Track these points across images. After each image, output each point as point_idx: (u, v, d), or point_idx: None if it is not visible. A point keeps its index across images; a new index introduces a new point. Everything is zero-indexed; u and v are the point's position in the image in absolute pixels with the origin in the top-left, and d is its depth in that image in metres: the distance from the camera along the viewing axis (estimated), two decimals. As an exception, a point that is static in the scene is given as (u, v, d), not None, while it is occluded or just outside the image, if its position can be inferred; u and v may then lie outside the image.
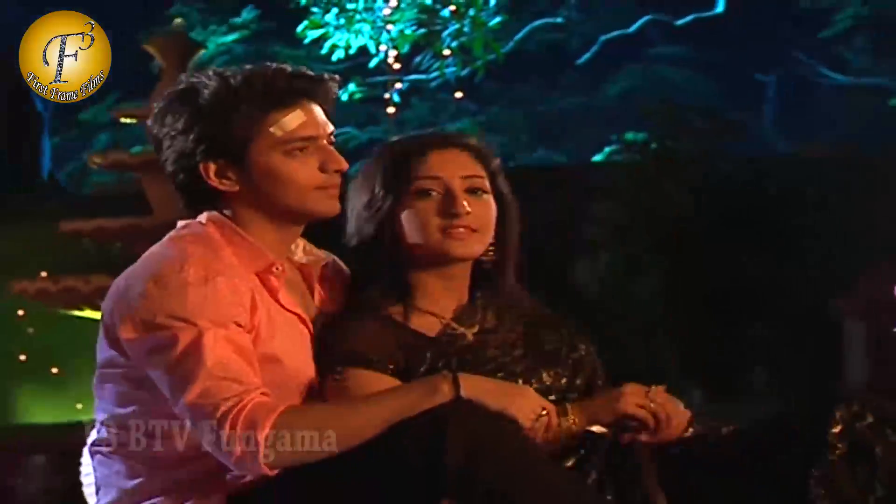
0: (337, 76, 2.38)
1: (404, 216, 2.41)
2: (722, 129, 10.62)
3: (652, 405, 2.35)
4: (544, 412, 2.24)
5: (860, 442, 2.18)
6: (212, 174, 2.28)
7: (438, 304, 2.46)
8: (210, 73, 2.30)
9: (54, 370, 10.35)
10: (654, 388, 2.37)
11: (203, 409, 2.11)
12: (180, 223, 2.36)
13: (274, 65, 2.32)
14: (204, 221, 2.32)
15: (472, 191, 2.43)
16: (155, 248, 2.30)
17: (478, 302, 2.49)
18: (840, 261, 10.01)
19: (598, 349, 2.60)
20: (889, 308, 6.28)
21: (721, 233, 10.14)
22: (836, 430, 2.18)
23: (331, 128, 2.35)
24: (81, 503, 2.39)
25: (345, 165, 2.33)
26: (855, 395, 2.22)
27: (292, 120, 2.28)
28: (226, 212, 2.32)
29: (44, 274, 8.61)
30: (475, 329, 2.46)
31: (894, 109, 12.99)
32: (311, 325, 2.35)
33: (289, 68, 2.32)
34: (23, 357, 10.73)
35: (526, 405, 2.22)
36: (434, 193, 2.42)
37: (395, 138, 2.55)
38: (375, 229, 2.42)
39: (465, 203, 2.40)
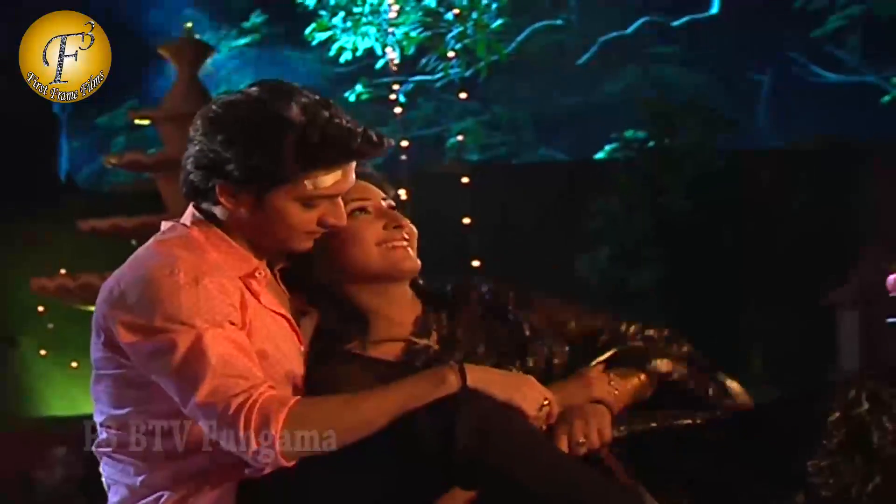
0: (391, 140, 2.33)
1: (343, 238, 2.39)
2: (717, 127, 10.83)
3: (616, 392, 2.40)
4: (547, 402, 2.24)
5: (857, 429, 2.15)
6: (224, 190, 2.26)
7: (394, 326, 2.47)
8: (294, 106, 2.22)
9: (74, 364, 10.55)
10: (613, 375, 2.42)
11: (215, 408, 2.10)
12: (164, 225, 2.35)
13: (348, 121, 2.26)
14: (188, 224, 2.31)
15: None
16: (141, 251, 2.27)
17: (429, 309, 2.50)
18: (833, 251, 10.23)
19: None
20: (881, 297, 6.45)
21: (717, 225, 10.35)
22: (834, 417, 2.16)
23: (353, 182, 2.33)
24: (101, 493, 2.40)
25: (343, 222, 2.33)
26: (850, 381, 2.20)
27: (328, 180, 2.26)
28: (215, 209, 2.29)
29: (63, 271, 8.81)
30: (435, 338, 2.47)
31: (885, 107, 13.18)
32: (294, 324, 2.36)
33: (359, 129, 2.26)
34: (43, 352, 10.99)
35: (531, 395, 2.22)
36: (368, 211, 2.43)
37: None
38: (311, 262, 2.41)
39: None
